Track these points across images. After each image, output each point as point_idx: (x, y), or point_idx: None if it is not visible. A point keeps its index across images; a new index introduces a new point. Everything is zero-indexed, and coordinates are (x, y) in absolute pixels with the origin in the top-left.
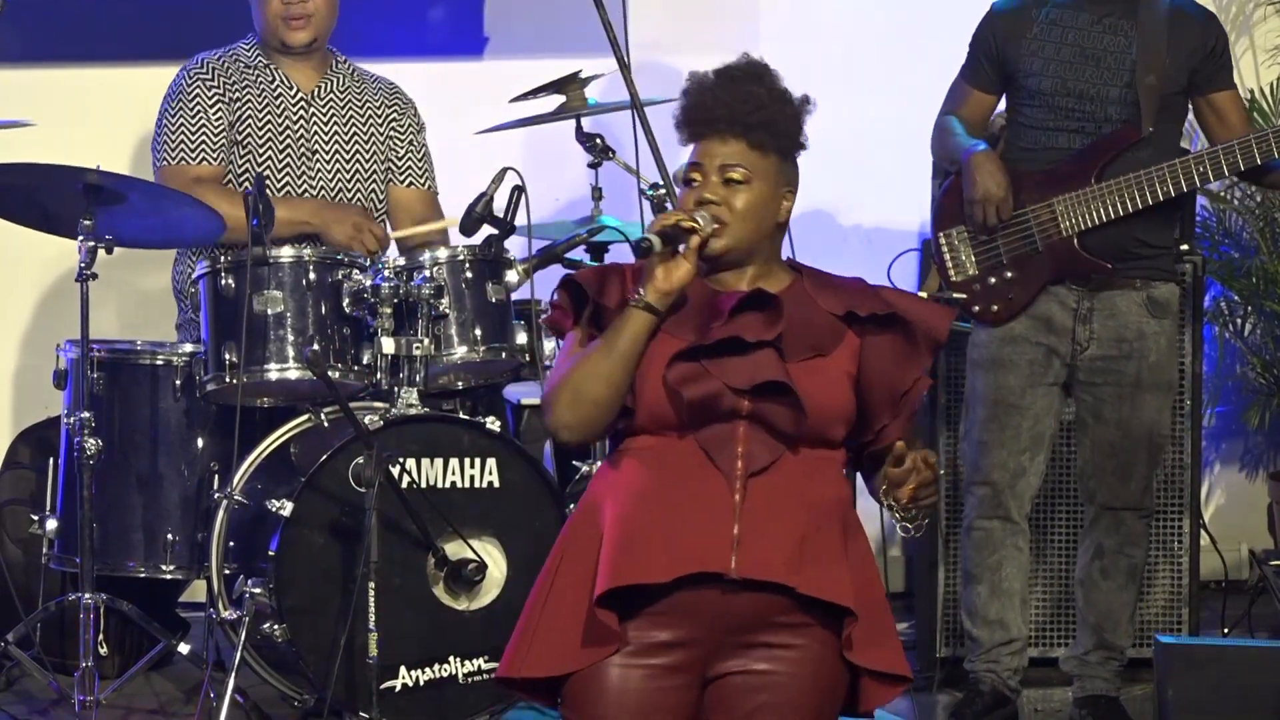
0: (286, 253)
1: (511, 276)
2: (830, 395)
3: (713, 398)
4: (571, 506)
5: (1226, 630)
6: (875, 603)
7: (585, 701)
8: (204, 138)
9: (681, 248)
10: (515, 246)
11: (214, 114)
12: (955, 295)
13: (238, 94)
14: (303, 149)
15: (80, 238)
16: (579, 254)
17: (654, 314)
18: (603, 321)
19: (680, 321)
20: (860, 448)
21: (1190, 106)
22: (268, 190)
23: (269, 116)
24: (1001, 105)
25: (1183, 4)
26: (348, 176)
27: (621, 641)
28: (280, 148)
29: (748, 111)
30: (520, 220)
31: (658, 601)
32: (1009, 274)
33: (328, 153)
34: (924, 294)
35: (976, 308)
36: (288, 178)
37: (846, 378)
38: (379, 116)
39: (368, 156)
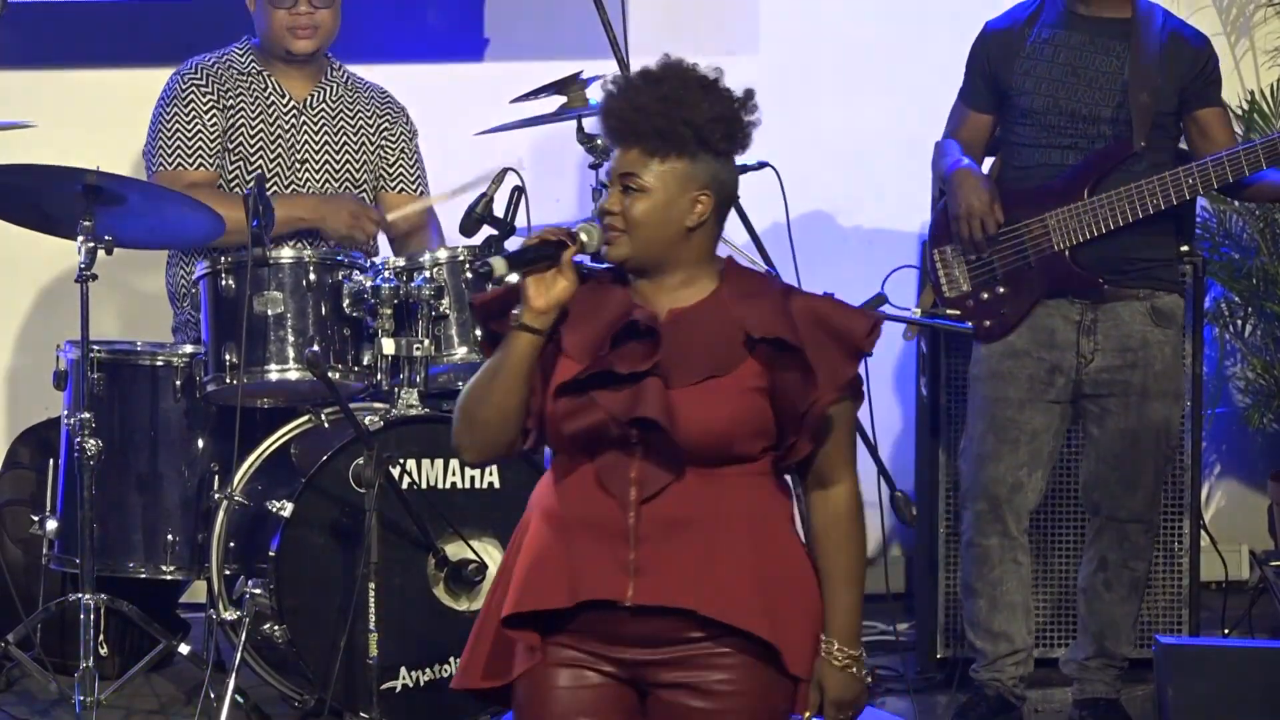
0: (287, 253)
1: (511, 277)
2: (724, 416)
3: (597, 429)
4: None
5: (1227, 631)
6: (803, 620)
7: (530, 706)
8: (200, 143)
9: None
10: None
11: (209, 119)
12: (949, 311)
13: (231, 100)
14: (293, 158)
15: (80, 238)
16: (578, 255)
17: (534, 333)
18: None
19: (584, 342)
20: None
21: (1181, 125)
22: (267, 193)
23: (261, 124)
24: None
25: (1177, 27)
26: (337, 185)
27: (540, 658)
28: (271, 155)
29: (637, 121)
30: (520, 221)
31: (571, 621)
32: (1001, 289)
33: (317, 162)
34: (919, 311)
35: (970, 323)
36: (277, 185)
37: (753, 393)
38: (370, 126)
39: (358, 165)
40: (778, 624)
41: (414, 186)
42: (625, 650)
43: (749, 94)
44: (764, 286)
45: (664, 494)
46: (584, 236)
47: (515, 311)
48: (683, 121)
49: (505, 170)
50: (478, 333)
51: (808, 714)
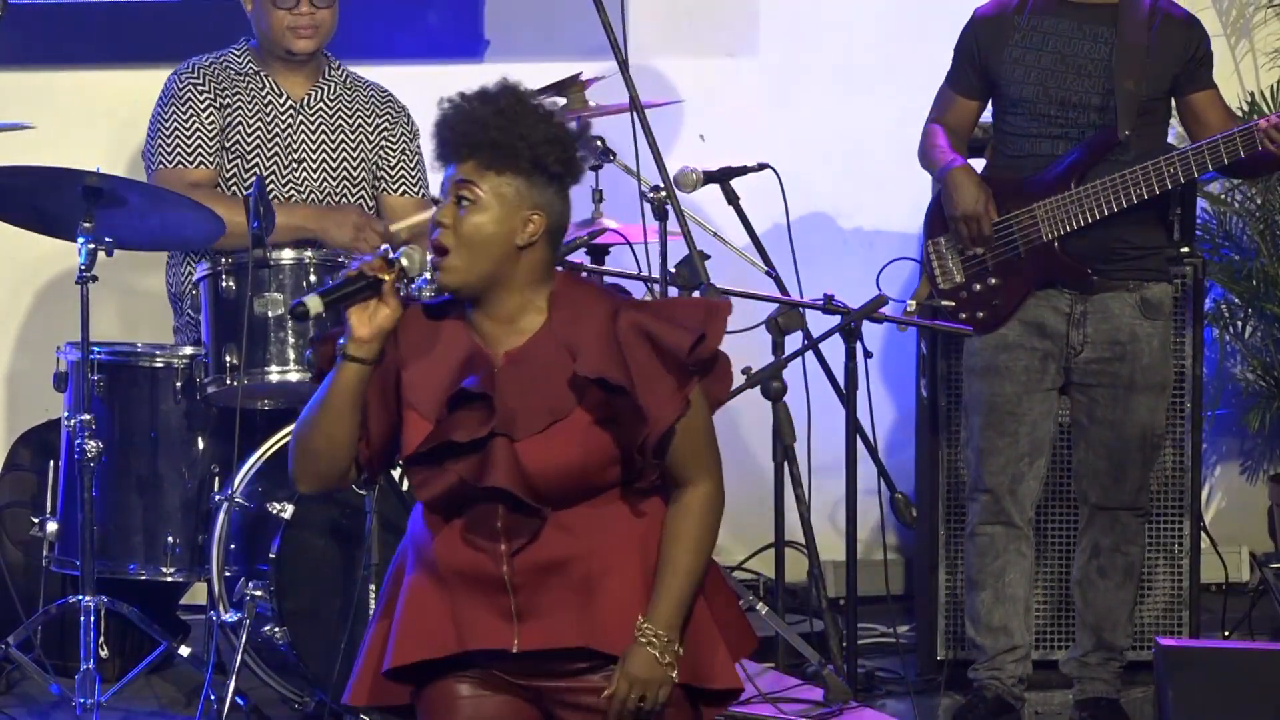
0: (287, 255)
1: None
2: (575, 459)
3: (456, 490)
4: None
5: (1227, 633)
6: (694, 627)
7: (435, 714)
8: (199, 142)
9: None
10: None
11: (207, 118)
12: (944, 303)
13: (228, 100)
14: (290, 157)
15: (80, 240)
16: (579, 257)
17: (360, 362)
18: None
19: (427, 394)
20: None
21: (1175, 109)
22: (267, 195)
23: (258, 124)
24: (988, 114)
25: (1166, 9)
26: (335, 185)
27: (412, 698)
28: (268, 155)
29: (475, 132)
30: None
31: (456, 666)
32: (993, 280)
33: (315, 161)
34: (914, 302)
35: (964, 315)
36: (274, 185)
37: (597, 427)
38: (370, 125)
39: (356, 165)
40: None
41: (415, 188)
42: (522, 679)
43: (584, 127)
44: (592, 306)
45: (536, 541)
46: (405, 262)
47: (341, 341)
48: (519, 137)
49: None
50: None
51: (605, 693)
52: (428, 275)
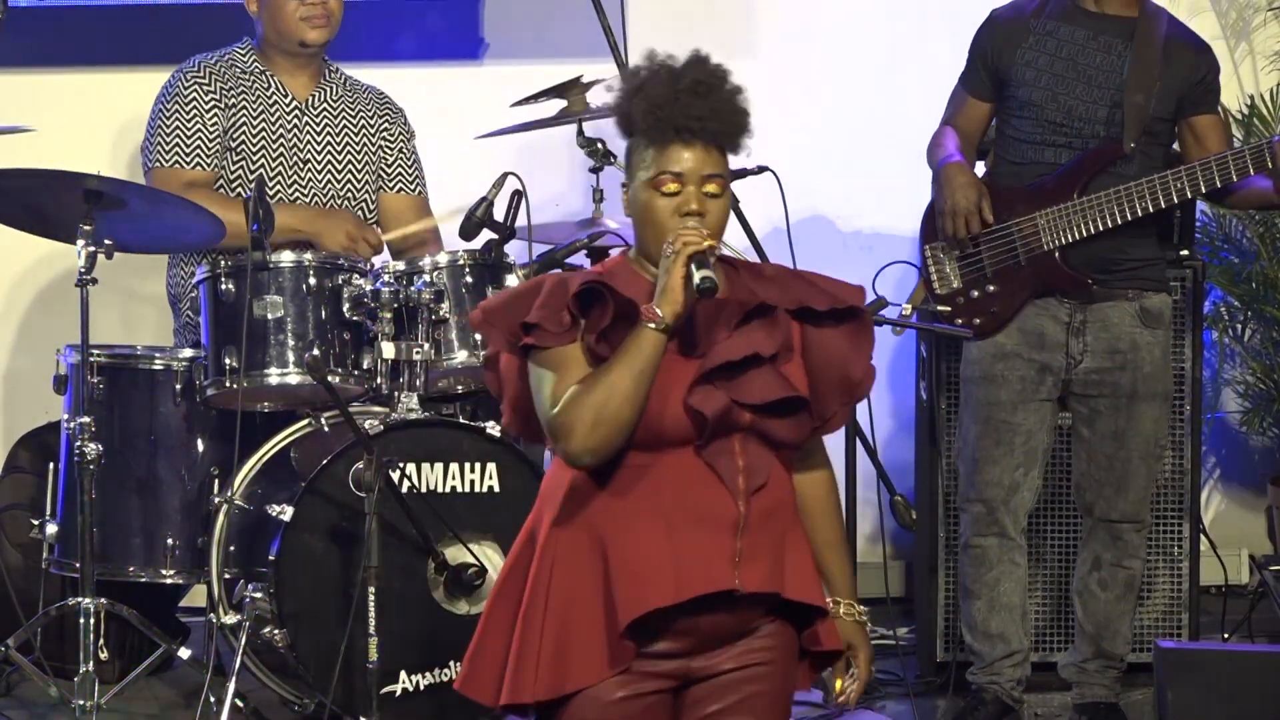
0: (287, 258)
1: (511, 281)
2: (805, 393)
3: (724, 414)
4: None
5: (1226, 635)
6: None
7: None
8: (198, 142)
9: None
10: (515, 251)
11: (209, 118)
12: (940, 308)
13: (233, 99)
14: (295, 157)
15: (80, 242)
16: (580, 259)
17: (668, 334)
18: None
19: (681, 335)
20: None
21: (1175, 130)
22: (268, 197)
23: (263, 123)
24: None
25: (1181, 32)
26: (339, 185)
27: (628, 661)
28: (273, 155)
29: (736, 122)
30: (520, 224)
31: (659, 618)
32: (991, 287)
33: (320, 161)
34: (910, 306)
35: (960, 320)
36: (279, 185)
37: (803, 372)
38: (371, 126)
39: (359, 165)
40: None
41: (412, 187)
42: (695, 644)
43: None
44: (761, 268)
45: (766, 483)
46: (709, 243)
47: (658, 312)
48: (748, 124)
49: (505, 175)
50: (478, 338)
51: (840, 682)
52: (428, 277)
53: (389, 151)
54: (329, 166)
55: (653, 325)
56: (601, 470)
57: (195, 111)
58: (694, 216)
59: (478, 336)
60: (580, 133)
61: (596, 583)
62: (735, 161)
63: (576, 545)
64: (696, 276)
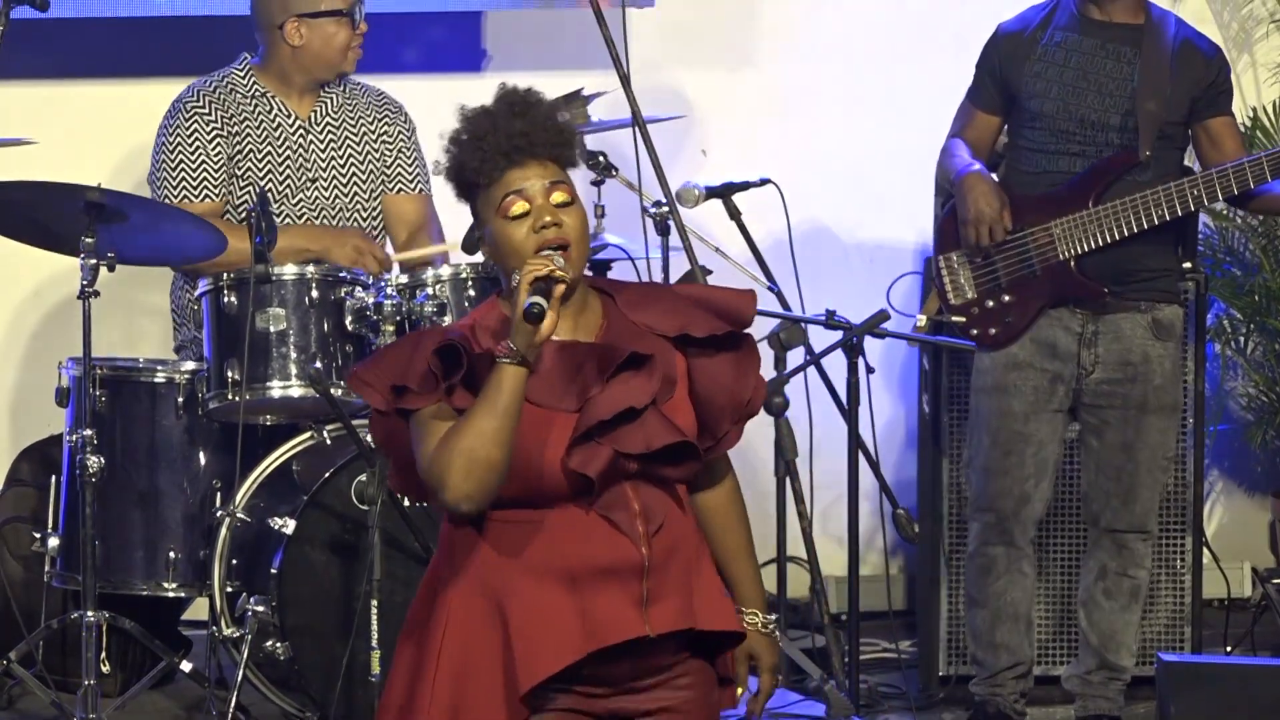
0: (289, 270)
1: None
2: (691, 426)
3: (608, 469)
4: None
5: (1229, 649)
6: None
7: None
8: (205, 174)
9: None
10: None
11: (212, 148)
12: (955, 318)
13: (236, 126)
14: (302, 176)
15: (82, 255)
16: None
17: (527, 367)
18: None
19: (546, 387)
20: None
21: (1189, 134)
22: (270, 210)
23: (268, 145)
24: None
25: (1189, 36)
26: (347, 199)
27: (528, 716)
28: (280, 175)
29: (550, 134)
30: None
31: (574, 671)
32: (1006, 297)
33: (326, 178)
34: (924, 317)
35: (975, 331)
36: (285, 203)
37: (688, 399)
38: (372, 130)
39: (365, 176)
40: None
41: (413, 186)
42: (603, 690)
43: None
44: (643, 292)
45: (664, 522)
46: (558, 271)
47: (511, 348)
48: (573, 134)
49: None
50: None
51: (739, 690)
52: (430, 289)
53: (390, 151)
54: (335, 181)
55: (508, 360)
56: (493, 531)
57: (198, 143)
58: (551, 229)
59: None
60: (581, 145)
61: (494, 641)
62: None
63: (471, 603)
64: (526, 301)
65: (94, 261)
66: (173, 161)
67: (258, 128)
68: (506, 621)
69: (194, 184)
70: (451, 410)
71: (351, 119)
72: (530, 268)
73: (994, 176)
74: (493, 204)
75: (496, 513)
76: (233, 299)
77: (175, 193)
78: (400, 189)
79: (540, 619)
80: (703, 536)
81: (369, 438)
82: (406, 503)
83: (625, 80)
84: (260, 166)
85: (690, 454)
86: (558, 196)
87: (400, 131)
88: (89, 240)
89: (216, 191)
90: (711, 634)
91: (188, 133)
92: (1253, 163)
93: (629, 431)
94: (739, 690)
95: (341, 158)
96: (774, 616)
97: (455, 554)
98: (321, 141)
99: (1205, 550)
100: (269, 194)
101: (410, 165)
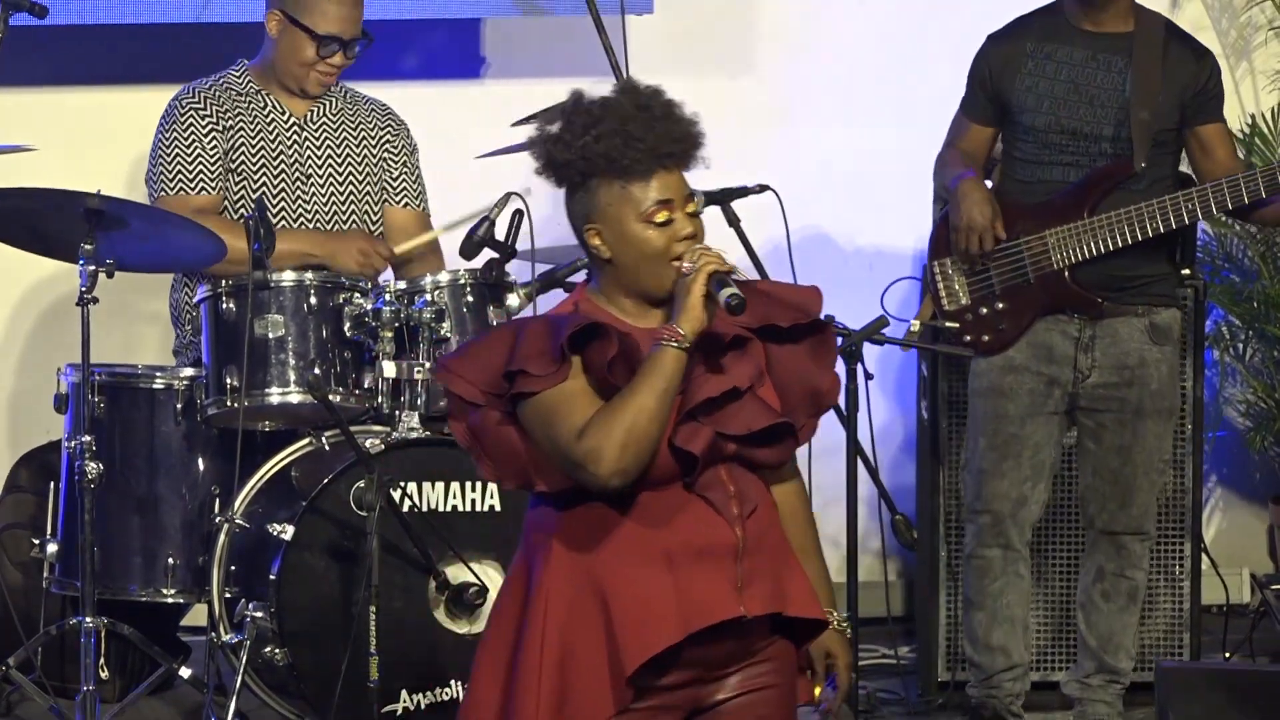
0: (288, 277)
1: (513, 300)
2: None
3: (709, 449)
4: None
5: (1228, 655)
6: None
7: None
8: (200, 167)
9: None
10: (517, 270)
11: (208, 143)
12: (948, 324)
13: (230, 122)
14: (296, 174)
15: (81, 262)
16: (580, 278)
17: (687, 352)
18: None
19: (629, 369)
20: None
21: (1181, 138)
22: (268, 216)
23: (262, 143)
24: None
25: (1178, 39)
26: (341, 200)
27: (633, 698)
28: (274, 174)
29: (692, 142)
30: (522, 243)
31: (665, 654)
32: (1000, 305)
33: (321, 178)
34: (918, 322)
35: (968, 337)
36: (283, 203)
37: (773, 387)
38: (373, 139)
39: (361, 179)
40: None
41: (416, 201)
42: (700, 673)
43: None
44: None
45: (757, 505)
46: (725, 265)
47: (680, 331)
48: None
49: (509, 195)
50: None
51: (818, 690)
52: (429, 296)
53: (392, 165)
54: (331, 181)
55: (674, 344)
56: (589, 513)
57: (194, 137)
58: (686, 241)
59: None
60: None
61: (596, 626)
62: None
63: (572, 589)
64: (724, 294)
65: (93, 268)
66: (169, 156)
67: (252, 124)
68: (607, 604)
69: (190, 177)
70: (587, 387)
71: (351, 123)
72: (707, 261)
73: (988, 183)
74: (632, 203)
75: (592, 497)
76: (231, 305)
77: (172, 186)
78: (405, 203)
79: (641, 601)
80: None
81: (367, 442)
82: (405, 508)
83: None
84: (254, 163)
85: (787, 434)
86: (691, 208)
87: (403, 147)
88: (88, 247)
89: (213, 185)
90: (796, 621)
91: (184, 128)
92: (1247, 177)
93: (730, 413)
94: (816, 690)
95: (338, 160)
96: (846, 616)
97: (548, 541)
98: (317, 141)
99: (1204, 556)
100: (264, 193)
101: (413, 181)
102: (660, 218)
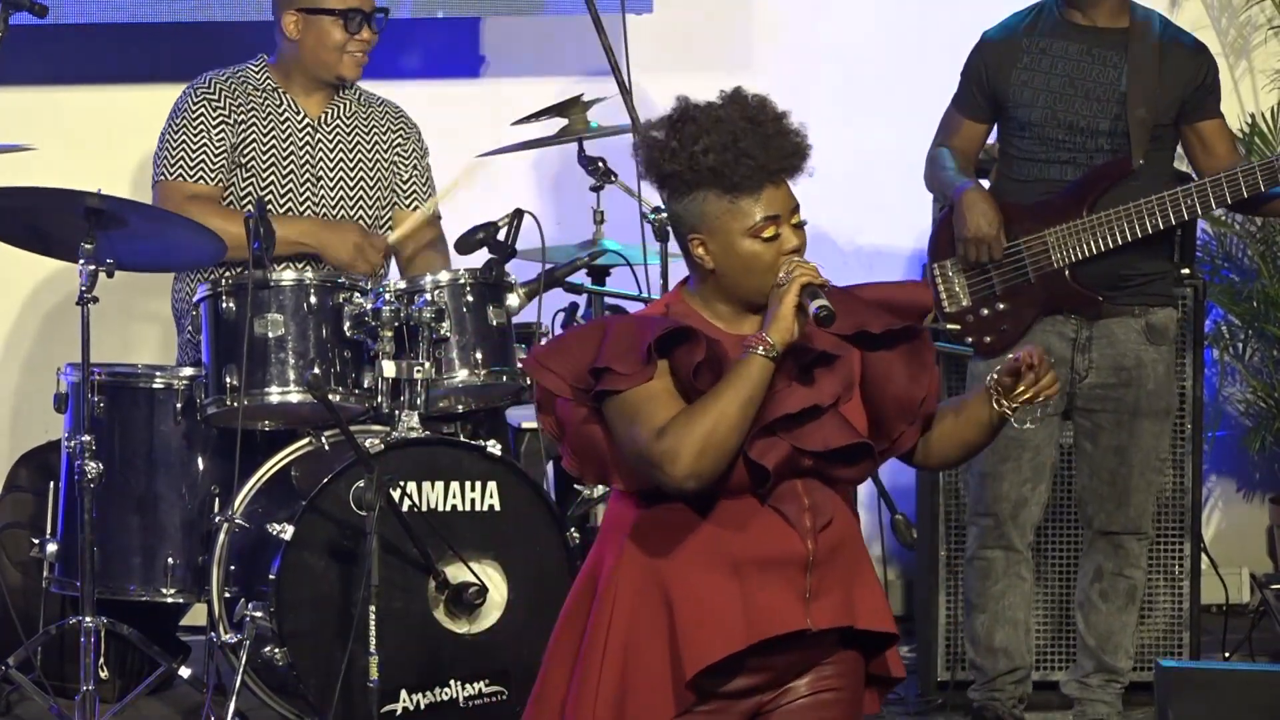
0: (288, 276)
1: (512, 300)
2: (865, 429)
3: (784, 463)
4: (573, 530)
5: (1228, 654)
6: (880, 611)
7: None
8: (204, 157)
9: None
10: (517, 269)
11: (216, 134)
12: (950, 326)
13: (243, 116)
14: (307, 175)
15: (81, 261)
16: (580, 278)
17: (775, 363)
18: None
19: (715, 375)
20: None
21: (1178, 133)
22: (268, 216)
23: (274, 140)
24: (993, 136)
25: (1175, 35)
26: (351, 201)
27: (689, 705)
28: (284, 172)
29: (802, 155)
30: (522, 244)
31: (729, 661)
32: (1001, 305)
33: (333, 178)
34: None
35: (970, 338)
36: (291, 201)
37: (861, 402)
38: (384, 141)
39: (372, 181)
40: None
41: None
42: (767, 679)
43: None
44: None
45: (832, 519)
46: (819, 278)
47: (770, 340)
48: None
49: (519, 212)
50: (479, 356)
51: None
52: (428, 295)
53: (403, 168)
54: (342, 183)
55: (763, 352)
56: (664, 516)
57: (202, 127)
58: (794, 255)
59: (479, 355)
60: (581, 151)
61: (660, 627)
62: None
63: (639, 588)
64: (813, 305)
65: (93, 267)
66: (175, 141)
67: (265, 120)
68: (672, 607)
69: (191, 165)
70: (671, 388)
71: (364, 126)
72: (803, 272)
73: (985, 184)
74: (741, 218)
75: (672, 499)
76: (231, 305)
77: (172, 171)
78: (415, 205)
79: (706, 606)
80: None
81: (367, 442)
82: (405, 508)
83: (625, 89)
84: (264, 160)
85: (866, 456)
86: (795, 219)
87: (414, 150)
88: (88, 246)
89: (213, 176)
90: (868, 633)
91: (194, 116)
92: (1245, 171)
93: (810, 430)
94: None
95: (350, 161)
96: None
97: (622, 540)
98: (330, 143)
99: (1203, 556)
100: (273, 190)
101: (423, 184)
102: (768, 233)
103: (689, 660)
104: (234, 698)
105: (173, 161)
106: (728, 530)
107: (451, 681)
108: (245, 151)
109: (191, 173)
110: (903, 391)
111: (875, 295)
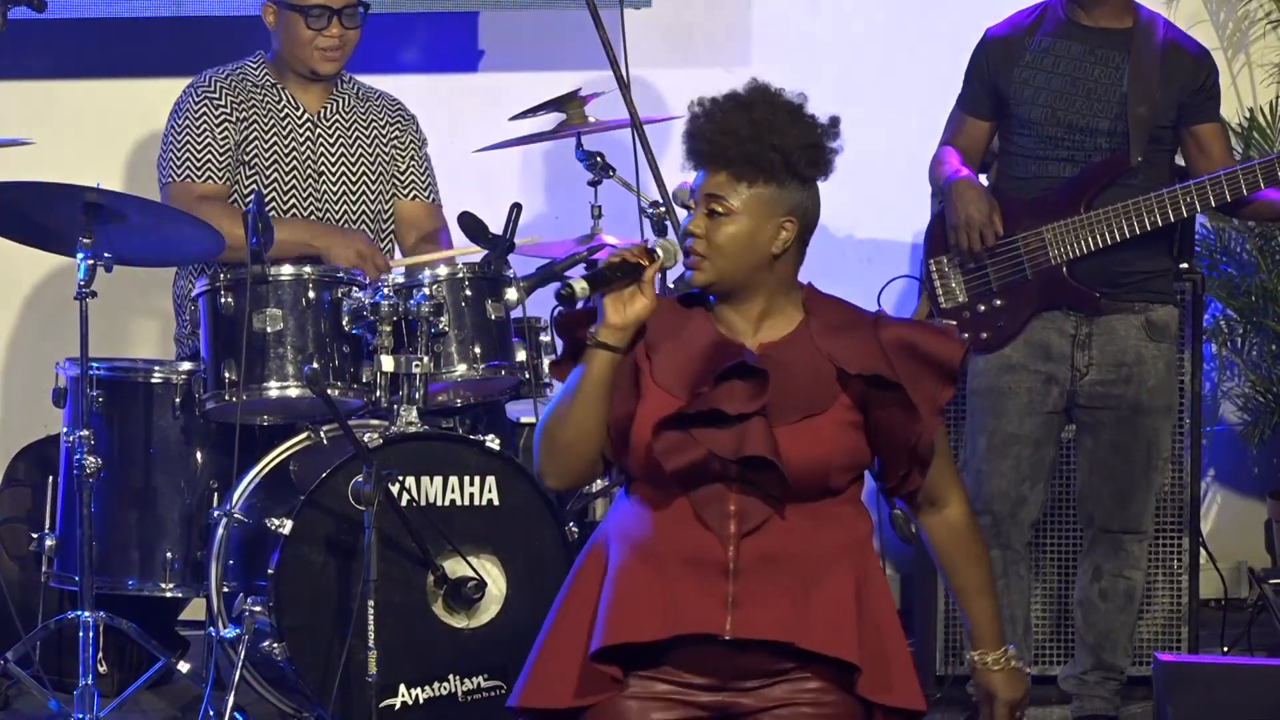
0: (286, 271)
1: (511, 294)
2: (823, 454)
3: (698, 465)
4: (572, 525)
5: (1226, 649)
6: (888, 642)
7: None
8: (210, 156)
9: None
10: (515, 263)
11: (219, 132)
12: (946, 322)
13: (244, 113)
14: (309, 170)
15: (79, 256)
16: (579, 272)
17: (612, 350)
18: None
19: (678, 374)
20: (887, 490)
21: (1178, 135)
22: (266, 209)
23: (275, 137)
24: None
25: (1177, 38)
26: (353, 196)
27: (623, 688)
28: (286, 168)
29: (727, 145)
30: (520, 237)
31: (660, 654)
32: (998, 302)
33: (334, 173)
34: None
35: (966, 335)
36: (294, 198)
37: (848, 428)
38: (383, 135)
39: (374, 176)
40: (864, 648)
41: (425, 193)
42: (710, 682)
43: (834, 121)
44: (851, 317)
45: (763, 528)
46: (660, 253)
47: (592, 330)
48: (771, 147)
49: (517, 207)
50: (477, 350)
51: None
52: (427, 290)
53: (401, 159)
54: (343, 178)
55: (588, 341)
56: (632, 498)
57: (206, 125)
58: (691, 237)
59: (477, 350)
60: (579, 145)
61: (590, 599)
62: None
63: (592, 570)
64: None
65: (91, 262)
66: (179, 143)
67: (265, 117)
68: (606, 586)
69: (198, 165)
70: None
71: (363, 119)
72: (621, 253)
73: (983, 180)
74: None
75: (638, 485)
76: (230, 299)
77: (179, 172)
78: (414, 195)
79: (629, 592)
80: (863, 554)
81: (366, 437)
82: (403, 503)
83: (623, 83)
84: (266, 156)
85: (777, 474)
86: (714, 206)
87: (412, 140)
88: (86, 240)
89: (220, 174)
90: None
91: (196, 115)
92: (1245, 169)
93: (726, 435)
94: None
95: (351, 156)
96: (1010, 649)
97: (608, 517)
98: (331, 137)
99: (1202, 550)
100: (275, 186)
101: (422, 174)
102: (690, 208)
103: (600, 636)
104: (233, 692)
105: (179, 162)
106: (663, 524)
107: (450, 676)
108: (248, 149)
109: (199, 172)
110: (895, 434)
111: (905, 336)
